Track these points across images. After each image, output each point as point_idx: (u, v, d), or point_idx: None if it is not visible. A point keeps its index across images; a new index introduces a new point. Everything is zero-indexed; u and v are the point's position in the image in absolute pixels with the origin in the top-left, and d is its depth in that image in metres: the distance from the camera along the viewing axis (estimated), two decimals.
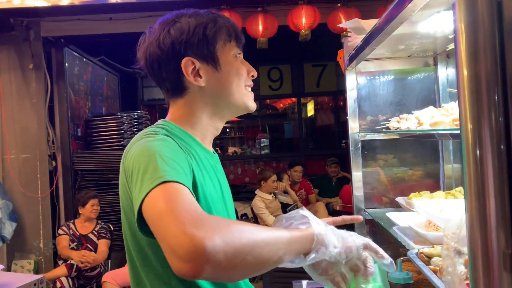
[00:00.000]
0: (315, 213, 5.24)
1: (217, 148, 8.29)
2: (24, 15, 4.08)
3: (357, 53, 1.47)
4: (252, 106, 1.08)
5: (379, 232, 1.94)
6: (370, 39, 1.23)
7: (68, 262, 3.62)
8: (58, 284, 3.48)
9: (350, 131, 1.85)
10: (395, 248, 2.05)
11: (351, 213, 4.64)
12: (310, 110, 8.83)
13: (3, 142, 4.15)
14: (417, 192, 1.46)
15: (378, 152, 2.06)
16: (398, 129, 1.43)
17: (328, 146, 8.69)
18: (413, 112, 1.34)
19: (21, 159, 4.20)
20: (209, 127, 1.06)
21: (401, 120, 1.46)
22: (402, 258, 1.41)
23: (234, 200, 4.89)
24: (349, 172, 6.09)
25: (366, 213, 1.74)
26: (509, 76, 0.49)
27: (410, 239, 1.19)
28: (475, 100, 0.50)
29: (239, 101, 1.05)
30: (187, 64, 0.98)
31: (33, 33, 4.22)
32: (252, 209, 4.94)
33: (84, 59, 4.98)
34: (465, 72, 0.50)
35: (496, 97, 0.49)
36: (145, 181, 0.79)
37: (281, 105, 9.22)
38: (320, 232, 0.81)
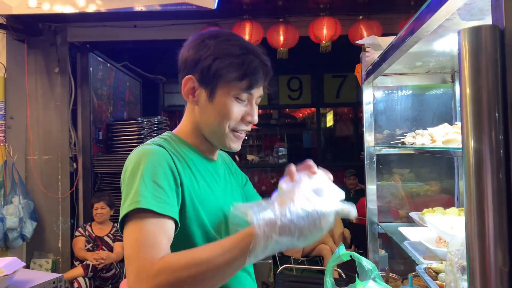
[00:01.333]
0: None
1: (236, 156, 8.34)
2: (52, 20, 4.21)
3: (374, 69, 1.49)
4: (234, 147, 1.10)
5: (393, 247, 1.94)
6: (386, 56, 1.25)
7: (84, 262, 3.70)
8: (76, 284, 3.55)
9: (365, 144, 1.86)
10: (409, 263, 2.04)
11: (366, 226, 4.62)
12: (329, 120, 8.82)
13: (27, 143, 4.26)
14: (430, 208, 1.46)
15: (394, 166, 2.06)
16: (413, 145, 1.44)
17: (346, 157, 8.65)
18: (427, 128, 1.35)
19: (44, 160, 4.30)
20: (211, 140, 1.11)
21: (416, 136, 1.47)
22: (413, 273, 1.42)
23: None
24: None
25: (379, 226, 1.75)
26: (509, 98, 0.51)
27: (420, 254, 1.20)
28: (477, 119, 0.52)
29: (216, 139, 1.09)
30: (187, 81, 1.04)
31: (60, 38, 4.35)
32: None
33: (108, 65, 5.10)
34: (468, 92, 0.53)
35: (497, 116, 0.51)
36: (126, 201, 0.92)
37: (300, 114, 9.23)
38: (261, 231, 0.82)
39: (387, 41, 1.33)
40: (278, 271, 2.89)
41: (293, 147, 9.36)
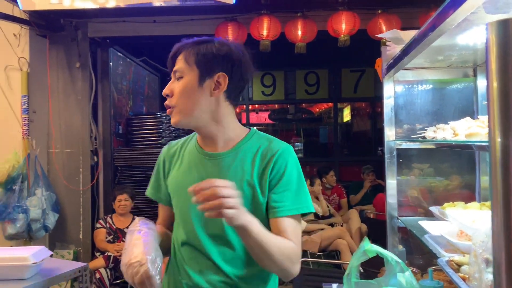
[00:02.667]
0: (348, 220, 5.21)
1: None
2: (73, 16, 4.28)
3: (395, 63, 1.48)
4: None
5: (412, 241, 1.94)
6: (408, 49, 1.25)
7: (106, 254, 3.77)
8: (97, 275, 3.63)
9: (385, 139, 1.85)
10: (427, 257, 2.04)
11: (384, 221, 4.60)
12: (346, 115, 8.76)
13: (49, 136, 4.35)
14: (451, 202, 1.46)
15: (414, 161, 2.06)
16: (434, 139, 1.44)
17: (364, 152, 8.60)
18: (449, 122, 1.35)
19: (65, 153, 4.39)
20: None
21: (437, 130, 1.46)
22: (433, 267, 1.42)
23: None
24: (384, 179, 6.01)
25: (399, 220, 1.75)
26: None
27: (441, 247, 1.20)
28: (504, 112, 0.52)
29: None
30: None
31: (81, 34, 4.41)
32: None
33: (128, 59, 5.16)
34: (495, 86, 0.53)
35: None
36: None
37: (317, 109, 9.20)
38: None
39: (409, 35, 1.33)
40: None
41: (309, 142, 9.33)
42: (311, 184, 5.03)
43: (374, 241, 4.24)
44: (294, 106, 8.58)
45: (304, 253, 4.78)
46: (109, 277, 3.71)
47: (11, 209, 3.84)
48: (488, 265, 0.68)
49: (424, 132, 1.57)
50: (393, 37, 1.51)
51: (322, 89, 7.43)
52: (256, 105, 8.50)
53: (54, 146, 4.34)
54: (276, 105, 9.24)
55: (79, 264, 1.60)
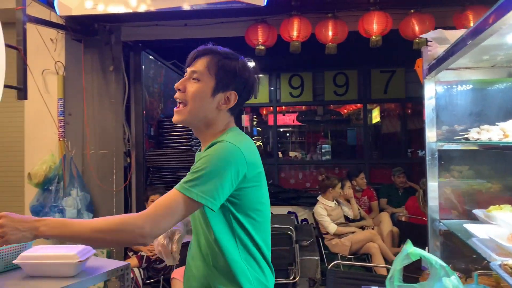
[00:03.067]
0: (379, 223, 5.14)
1: (279, 152, 8.37)
2: (107, 20, 4.38)
3: (439, 63, 1.46)
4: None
5: (451, 244, 1.90)
6: (455, 49, 1.23)
7: (139, 253, 3.84)
8: (131, 274, 3.70)
9: (427, 140, 1.82)
10: (468, 261, 1.99)
11: (416, 225, 4.52)
12: (375, 116, 8.66)
13: (84, 138, 4.46)
14: (497, 205, 1.42)
15: (453, 163, 2.01)
16: (478, 140, 1.41)
17: (393, 154, 8.47)
18: (497, 123, 1.32)
19: (99, 155, 4.49)
20: None
21: (481, 131, 1.43)
22: (478, 272, 1.39)
23: (295, 204, 4.89)
24: (417, 182, 5.90)
25: (441, 223, 1.72)
26: None
27: (491, 251, 1.17)
28: None
29: None
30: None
31: (114, 38, 4.51)
32: (313, 215, 4.94)
33: (159, 63, 5.25)
34: None
35: None
36: None
37: (345, 110, 9.12)
38: None
39: (455, 34, 1.30)
40: (329, 267, 2.88)
41: (337, 143, 9.25)
42: (342, 186, 4.99)
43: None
44: (323, 107, 8.53)
45: (335, 256, 4.75)
46: (142, 277, 3.77)
47: (48, 209, 3.96)
48: None
49: (467, 134, 1.54)
50: (438, 37, 1.48)
51: (352, 90, 7.35)
52: (283, 107, 8.49)
53: (88, 147, 4.45)
54: (303, 107, 9.22)
55: (121, 263, 1.63)
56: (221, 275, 1.33)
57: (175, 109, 1.37)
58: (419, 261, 1.26)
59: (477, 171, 2.01)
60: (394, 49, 5.29)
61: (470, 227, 1.36)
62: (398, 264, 1.25)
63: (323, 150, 9.35)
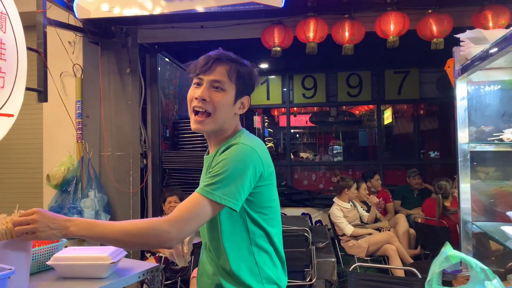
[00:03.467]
0: (395, 225, 5.11)
1: (291, 153, 8.37)
2: (124, 23, 4.41)
3: (474, 63, 1.44)
4: (194, 129, 1.42)
5: (480, 246, 1.88)
6: (496, 49, 1.21)
7: (157, 255, 3.85)
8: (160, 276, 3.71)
9: (458, 141, 1.80)
10: (499, 264, 1.97)
11: (433, 226, 4.47)
12: (388, 117, 8.61)
13: (101, 140, 4.49)
14: None
15: (480, 165, 1.99)
16: None
17: (406, 155, 8.43)
18: None
19: (116, 156, 4.51)
20: None
21: None
22: None
23: (309, 206, 4.86)
24: (429, 183, 5.85)
25: (474, 226, 1.70)
26: None
27: None
28: None
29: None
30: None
31: (130, 40, 4.53)
32: (329, 216, 4.92)
33: (174, 65, 5.27)
34: None
35: None
36: None
37: (357, 111, 9.08)
38: None
39: (495, 34, 1.29)
40: (351, 269, 2.87)
41: (349, 145, 9.23)
42: (357, 188, 4.96)
43: (423, 246, 4.14)
44: (336, 108, 8.50)
45: (351, 258, 4.72)
46: (160, 278, 3.78)
47: (66, 210, 3.99)
48: None
49: (500, 135, 1.52)
50: (475, 37, 1.47)
51: (365, 91, 7.32)
52: (295, 108, 8.47)
53: (105, 149, 4.48)
54: (315, 108, 9.20)
55: (151, 265, 1.64)
56: (228, 274, 1.37)
57: (196, 118, 1.38)
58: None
59: (504, 172, 1.99)
60: (408, 49, 5.27)
61: (509, 229, 1.35)
62: (437, 267, 1.24)
63: (334, 151, 9.33)
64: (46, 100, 3.46)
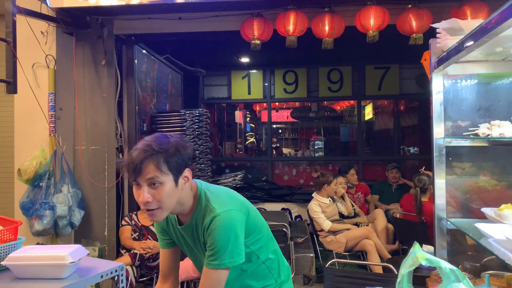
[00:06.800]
0: (374, 220, 5.11)
1: (273, 150, 8.33)
2: (99, 13, 4.28)
3: (449, 55, 1.40)
4: (151, 221, 1.52)
5: (456, 243, 1.86)
6: (472, 39, 1.17)
7: (132, 251, 3.76)
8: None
9: (434, 136, 1.77)
10: (473, 261, 1.95)
11: (412, 222, 4.48)
12: (368, 113, 8.65)
13: (75, 133, 4.36)
14: (509, 204, 1.37)
15: (455, 160, 1.96)
16: (489, 136, 1.36)
17: (386, 151, 8.48)
18: None
19: (91, 150, 4.39)
20: None
21: (492, 127, 1.38)
22: (489, 272, 1.34)
23: (289, 201, 4.89)
24: (409, 179, 5.92)
25: (449, 222, 1.67)
26: None
27: (510, 252, 1.12)
28: None
29: None
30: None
31: (106, 31, 4.40)
32: (308, 211, 4.89)
33: (152, 57, 5.15)
34: None
35: None
36: None
37: (338, 107, 9.09)
38: None
39: (470, 24, 1.24)
40: (327, 265, 2.83)
41: (330, 140, 9.25)
42: (336, 183, 4.96)
43: (401, 241, 4.14)
44: (317, 104, 8.48)
45: (330, 253, 4.71)
46: (135, 275, 3.70)
47: (38, 205, 3.86)
48: None
49: (475, 129, 1.48)
50: (451, 27, 1.42)
51: (346, 87, 7.31)
52: (277, 103, 8.43)
53: (80, 143, 4.35)
54: (297, 103, 9.17)
55: (116, 264, 1.56)
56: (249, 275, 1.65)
57: (149, 213, 1.45)
58: None
59: (480, 168, 1.97)
60: (389, 45, 5.26)
61: (483, 226, 1.31)
62: (406, 268, 1.20)
63: (316, 147, 9.35)
64: (15, 92, 3.34)
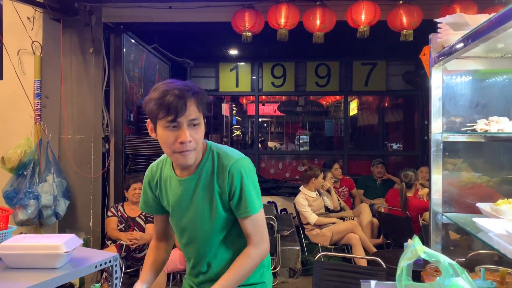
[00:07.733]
0: (359, 214, 5.17)
1: (259, 143, 8.33)
2: (87, 0, 4.19)
3: (452, 50, 1.41)
4: (182, 164, 1.46)
5: (446, 238, 1.88)
6: (478, 35, 1.17)
7: (118, 242, 3.72)
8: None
9: (432, 131, 1.78)
10: (463, 254, 1.98)
11: (396, 217, 4.54)
12: (354, 109, 8.70)
13: (61, 122, 4.28)
14: (505, 199, 1.39)
15: (447, 156, 1.98)
16: (487, 132, 1.37)
17: (371, 146, 8.56)
18: None
19: (77, 140, 4.32)
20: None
21: (490, 123, 1.40)
22: (484, 266, 1.36)
23: (275, 194, 4.89)
24: (393, 174, 5.99)
25: (445, 217, 1.68)
26: None
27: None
28: None
29: (172, 159, 1.51)
30: (148, 122, 1.47)
31: (94, 18, 4.32)
32: (294, 205, 4.91)
33: (140, 46, 5.08)
34: None
35: None
36: None
37: (324, 102, 9.13)
38: None
39: (478, 19, 1.25)
40: (316, 259, 2.85)
41: (315, 135, 9.30)
42: (324, 177, 4.98)
43: (385, 235, 4.18)
44: (304, 98, 8.50)
45: (315, 246, 4.74)
46: (121, 266, 3.66)
47: (22, 194, 3.78)
48: None
49: (473, 125, 1.50)
50: (456, 22, 1.42)
51: (333, 82, 7.33)
52: (264, 97, 8.41)
53: (66, 132, 4.28)
54: (283, 97, 9.17)
55: (109, 254, 1.54)
56: None
57: (185, 153, 1.40)
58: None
59: (472, 164, 1.99)
60: (377, 41, 5.29)
61: (481, 221, 1.33)
62: (405, 261, 1.21)
63: (301, 141, 9.38)
64: (0, 78, 3.25)
